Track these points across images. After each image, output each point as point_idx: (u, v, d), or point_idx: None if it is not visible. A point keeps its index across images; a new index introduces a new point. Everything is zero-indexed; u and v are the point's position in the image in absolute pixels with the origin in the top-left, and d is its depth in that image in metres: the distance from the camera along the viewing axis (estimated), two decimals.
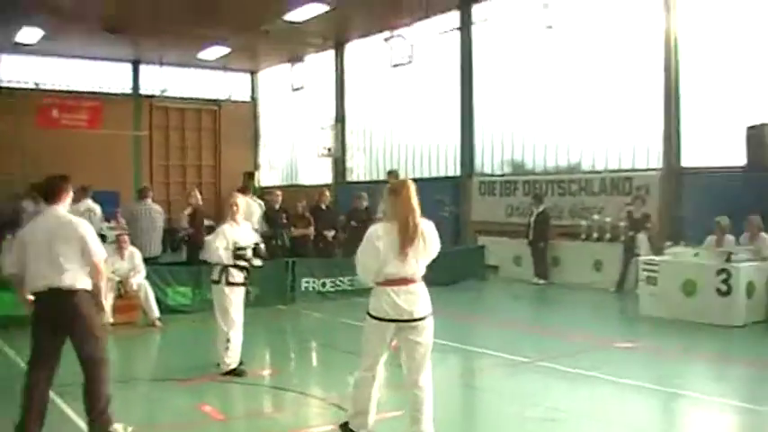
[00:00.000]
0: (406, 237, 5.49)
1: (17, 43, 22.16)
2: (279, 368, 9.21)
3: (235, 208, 8.37)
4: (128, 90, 27.81)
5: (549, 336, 10.92)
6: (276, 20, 20.15)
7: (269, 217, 14.83)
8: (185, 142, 29.03)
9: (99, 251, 5.95)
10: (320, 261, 14.61)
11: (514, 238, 17.46)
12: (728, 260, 11.22)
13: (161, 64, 26.94)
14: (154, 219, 13.76)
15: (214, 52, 24.73)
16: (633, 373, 8.19)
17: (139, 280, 11.37)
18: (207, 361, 8.57)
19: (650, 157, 16.12)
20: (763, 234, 11.98)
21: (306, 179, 27.75)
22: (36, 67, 25.94)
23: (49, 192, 6.08)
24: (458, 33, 20.46)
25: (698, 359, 9.37)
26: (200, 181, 28.23)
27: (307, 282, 13.86)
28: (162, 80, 27.50)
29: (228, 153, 29.36)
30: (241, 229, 8.42)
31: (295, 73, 27.58)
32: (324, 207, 16.01)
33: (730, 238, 12.22)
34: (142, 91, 27.97)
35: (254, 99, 30.90)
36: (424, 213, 5.62)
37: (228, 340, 8.19)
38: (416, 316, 5.55)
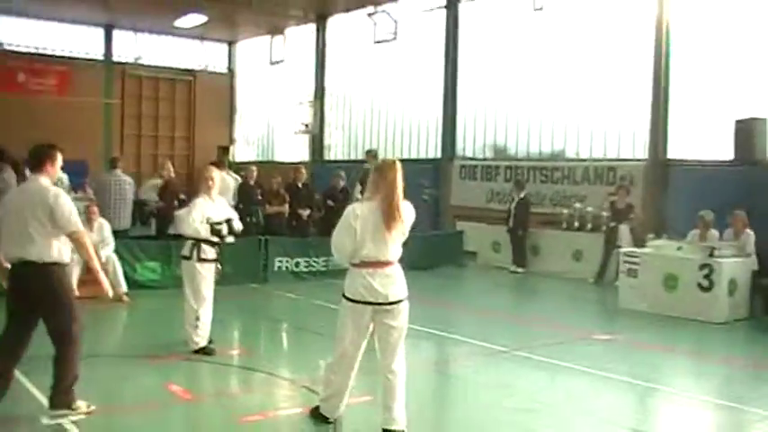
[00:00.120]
0: (390, 220, 5.50)
1: None
2: (249, 348, 9.22)
3: (210, 182, 8.29)
4: (99, 56, 27.38)
5: (527, 325, 11.01)
6: None
7: (243, 192, 14.79)
8: (158, 112, 28.73)
9: (75, 222, 5.86)
10: (295, 240, 14.60)
11: (494, 225, 17.53)
12: (712, 255, 11.32)
13: (135, 30, 26.64)
14: (124, 190, 13.68)
15: (191, 20, 24.35)
16: (610, 366, 8.27)
17: (108, 252, 11.32)
18: (175, 339, 8.56)
19: (636, 147, 16.22)
20: (748, 230, 12.05)
21: (282, 156, 27.62)
22: (1, 27, 25.19)
23: (33, 160, 6.01)
24: (443, 11, 20.41)
25: (676, 354, 9.46)
26: (173, 153, 27.94)
27: (280, 261, 13.85)
28: (136, 47, 27.19)
29: (203, 125, 29.13)
30: (215, 204, 8.36)
31: (274, 46, 27.38)
32: (300, 185, 15.99)
33: (714, 232, 12.30)
34: (115, 58, 27.56)
35: (230, 71, 30.64)
36: (404, 196, 5.64)
37: (198, 318, 8.17)
38: (392, 299, 5.57)
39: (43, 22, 25.85)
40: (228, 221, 8.32)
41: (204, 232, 8.10)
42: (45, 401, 6.04)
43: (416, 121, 21.80)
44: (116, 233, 11.99)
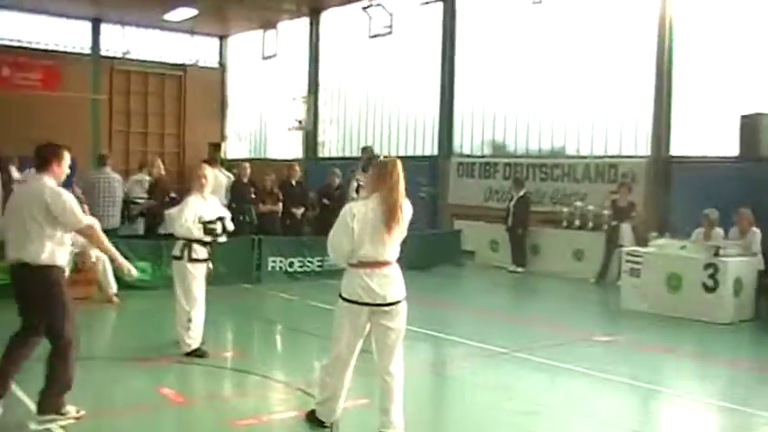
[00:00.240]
0: (391, 220, 5.51)
1: None
2: (242, 350, 9.21)
3: (204, 180, 8.28)
4: (87, 50, 27.28)
5: (527, 326, 11.04)
6: None
7: (236, 190, 14.80)
8: (148, 108, 28.65)
9: (79, 217, 5.94)
10: (288, 240, 14.61)
11: (492, 223, 17.56)
12: (716, 254, 11.31)
13: (123, 24, 26.59)
14: (113, 188, 13.66)
15: (181, 13, 24.33)
16: (611, 368, 8.30)
17: (98, 252, 11.29)
18: (166, 340, 8.56)
19: (638, 143, 16.23)
20: (753, 228, 12.03)
21: (275, 153, 27.61)
22: None
23: (38, 159, 6.04)
24: (440, 5, 20.41)
25: (679, 356, 9.49)
26: (163, 150, 27.96)
27: (274, 261, 13.85)
28: (124, 41, 27.15)
29: (193, 122, 29.07)
30: (208, 203, 8.36)
31: (267, 40, 27.37)
32: (293, 183, 16.01)
33: (719, 231, 12.29)
34: (103, 52, 27.44)
35: (222, 66, 30.58)
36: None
37: (190, 320, 8.17)
38: (390, 300, 5.58)
39: (28, 14, 25.70)
40: (221, 220, 8.33)
41: (197, 232, 8.09)
42: (33, 407, 6.03)
43: (413, 117, 21.80)
44: (105, 232, 11.93)
